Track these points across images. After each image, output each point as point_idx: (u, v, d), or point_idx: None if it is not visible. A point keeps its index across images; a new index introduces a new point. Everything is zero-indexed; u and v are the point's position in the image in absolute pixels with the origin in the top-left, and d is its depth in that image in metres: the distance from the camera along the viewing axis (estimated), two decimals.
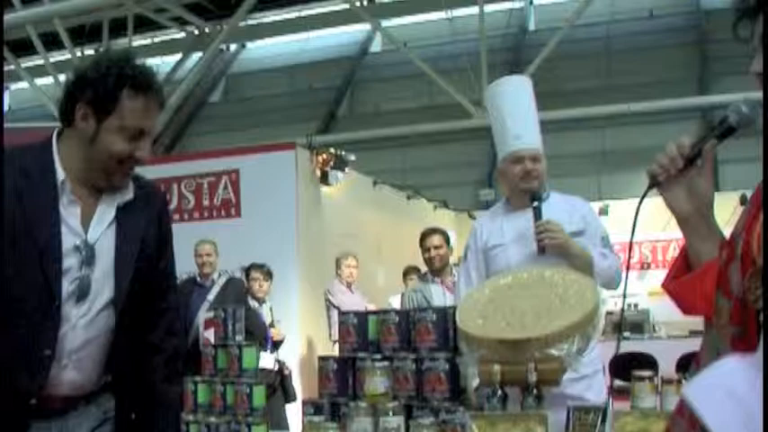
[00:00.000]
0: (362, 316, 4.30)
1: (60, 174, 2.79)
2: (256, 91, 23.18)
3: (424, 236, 7.71)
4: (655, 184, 2.16)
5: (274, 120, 20.71)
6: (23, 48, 19.50)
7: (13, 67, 19.07)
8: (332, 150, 11.18)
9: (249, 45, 24.92)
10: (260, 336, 8.78)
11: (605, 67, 19.87)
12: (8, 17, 16.32)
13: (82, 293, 2.77)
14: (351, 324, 4.28)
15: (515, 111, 4.62)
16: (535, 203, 4.36)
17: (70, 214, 2.79)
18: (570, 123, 16.78)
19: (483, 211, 17.00)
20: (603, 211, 15.75)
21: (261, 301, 9.15)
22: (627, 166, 15.17)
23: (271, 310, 9.29)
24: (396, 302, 9.69)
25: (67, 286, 2.75)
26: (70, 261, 2.75)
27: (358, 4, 20.83)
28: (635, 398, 3.62)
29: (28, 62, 21.01)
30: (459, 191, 18.04)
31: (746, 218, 1.93)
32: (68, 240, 2.76)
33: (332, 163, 10.96)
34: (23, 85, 21.56)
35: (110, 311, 2.85)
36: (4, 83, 26.23)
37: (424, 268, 9.55)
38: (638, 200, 2.22)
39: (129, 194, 2.90)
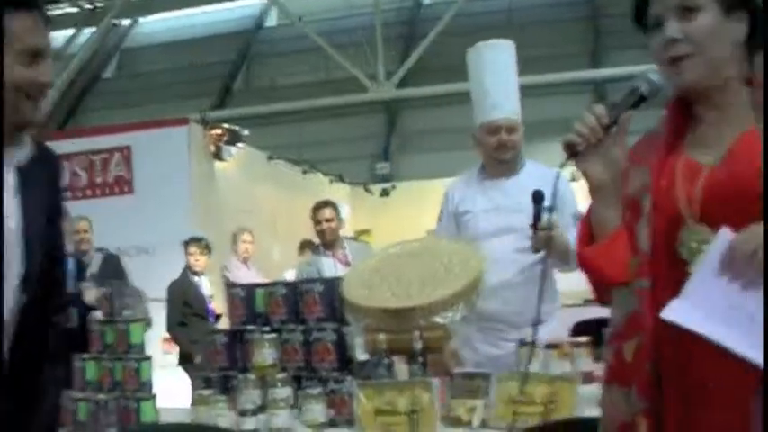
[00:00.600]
0: (250, 288, 4.29)
1: None
2: (150, 66, 22.82)
3: (316, 209, 7.72)
4: (574, 154, 2.20)
5: (169, 95, 20.44)
6: None
7: None
8: (225, 125, 11.12)
9: (142, 20, 24.47)
10: (201, 309, 8.77)
11: (503, 40, 19.99)
12: None
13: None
14: (239, 297, 4.27)
15: (495, 78, 4.54)
16: (537, 205, 4.10)
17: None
18: (464, 96, 16.88)
19: (380, 184, 17.13)
20: None
21: (199, 275, 9.11)
22: (528, 137, 15.22)
23: (210, 283, 9.27)
24: (291, 277, 9.71)
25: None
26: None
27: None
28: (521, 362, 3.68)
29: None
30: (355, 165, 18.03)
31: (649, 177, 2.05)
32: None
33: (225, 138, 10.90)
34: None
35: (18, 292, 2.54)
36: None
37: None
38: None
39: (26, 152, 2.57)
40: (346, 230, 12.60)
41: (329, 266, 7.32)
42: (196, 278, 9.11)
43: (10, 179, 2.50)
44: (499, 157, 4.50)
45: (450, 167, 16.95)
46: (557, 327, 4.44)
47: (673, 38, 2.08)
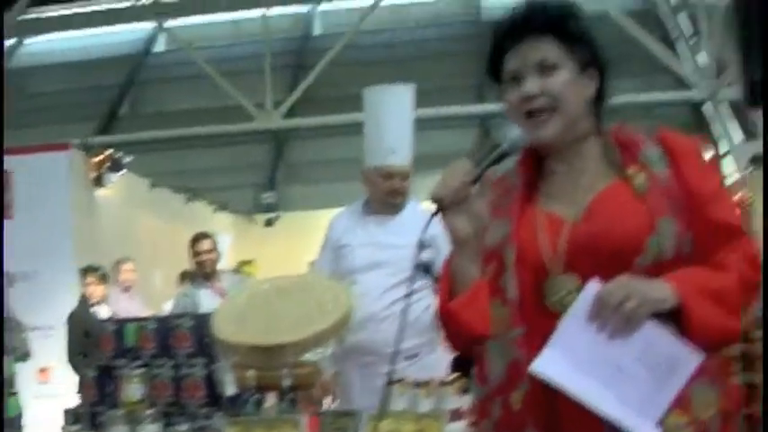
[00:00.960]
0: (120, 323, 4.26)
1: None
2: (35, 88, 22.36)
3: (195, 240, 7.67)
4: (441, 208, 2.22)
5: (54, 118, 20.05)
6: None
7: None
8: (107, 152, 10.97)
9: (27, 41, 24.04)
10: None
11: (391, 74, 20.17)
12: None
13: None
14: (110, 331, 4.23)
15: (394, 123, 4.63)
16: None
17: None
18: (350, 128, 16.96)
19: (265, 214, 17.08)
20: None
21: (98, 304, 8.95)
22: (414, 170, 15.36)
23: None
24: (170, 308, 9.64)
25: None
26: None
27: (142, 1, 20.46)
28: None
29: None
30: (240, 194, 17.94)
31: (509, 229, 2.12)
32: None
33: (107, 165, 10.76)
34: None
35: None
36: None
37: None
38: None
39: None
40: (229, 260, 12.54)
41: (206, 298, 7.28)
42: (94, 308, 8.95)
43: None
44: (389, 202, 4.61)
45: (336, 198, 16.99)
46: (438, 359, 4.47)
47: (532, 93, 2.16)
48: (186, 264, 10.79)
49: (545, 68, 2.16)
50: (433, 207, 2.22)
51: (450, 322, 2.24)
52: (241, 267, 13.79)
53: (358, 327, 4.18)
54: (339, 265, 4.63)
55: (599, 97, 2.25)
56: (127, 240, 11.07)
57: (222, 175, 18.41)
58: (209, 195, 15.27)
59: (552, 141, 2.19)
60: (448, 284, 2.28)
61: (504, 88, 2.25)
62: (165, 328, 4.06)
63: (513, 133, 2.23)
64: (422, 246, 3.79)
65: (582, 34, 2.22)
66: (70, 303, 9.71)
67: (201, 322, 3.96)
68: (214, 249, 7.62)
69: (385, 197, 4.60)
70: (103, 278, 9.06)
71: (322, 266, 4.79)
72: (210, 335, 3.82)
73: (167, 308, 9.42)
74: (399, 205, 4.62)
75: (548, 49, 2.17)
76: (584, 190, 2.17)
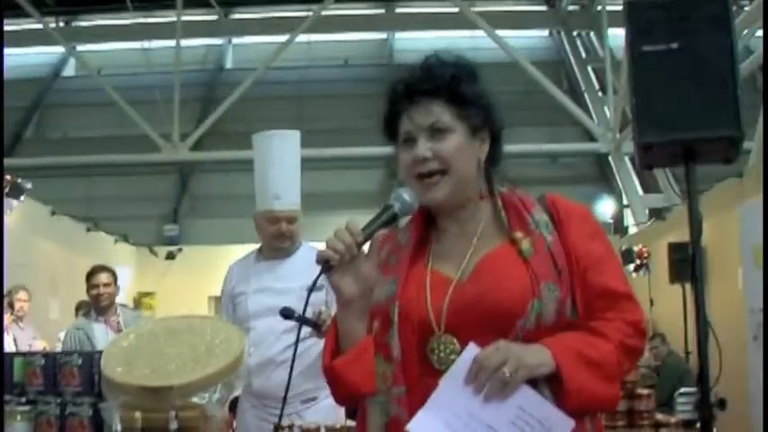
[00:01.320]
0: (8, 357, 4.19)
1: None
2: None
3: (92, 273, 7.54)
4: (328, 268, 2.21)
5: None
6: None
7: None
8: (7, 177, 10.79)
9: None
10: None
11: (299, 111, 20.24)
12: None
13: None
14: None
15: (279, 168, 4.66)
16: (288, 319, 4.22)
17: None
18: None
19: (166, 246, 16.92)
20: None
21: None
22: (315, 210, 15.35)
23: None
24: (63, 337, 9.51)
25: None
26: None
27: (53, 25, 20.26)
28: None
29: None
30: (143, 225, 17.76)
31: (395, 287, 2.17)
32: None
33: (7, 190, 10.58)
34: None
35: None
36: None
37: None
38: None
39: None
40: (129, 292, 12.40)
41: (100, 332, 7.16)
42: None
43: None
44: (276, 246, 4.67)
45: (238, 234, 16.98)
46: (333, 403, 4.49)
47: (424, 156, 2.20)
48: (85, 294, 10.71)
49: (436, 132, 2.20)
50: (318, 268, 2.22)
51: (334, 379, 2.25)
52: (141, 299, 13.67)
53: (255, 371, 4.28)
54: (237, 313, 4.69)
55: (492, 159, 2.30)
56: (24, 268, 10.86)
57: (125, 205, 18.23)
58: (111, 225, 15.08)
59: (442, 203, 2.24)
60: (333, 341, 2.30)
61: (398, 148, 2.30)
62: (53, 365, 4.02)
63: (404, 196, 2.27)
64: (311, 290, 3.87)
65: (475, 97, 2.25)
66: None
67: (91, 360, 3.94)
68: (112, 283, 7.50)
69: (272, 241, 4.68)
70: (9, 306, 8.88)
71: (223, 316, 4.86)
72: (99, 374, 3.79)
73: (60, 336, 9.27)
74: (288, 249, 4.70)
75: (439, 113, 2.21)
76: (473, 251, 2.21)
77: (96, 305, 7.34)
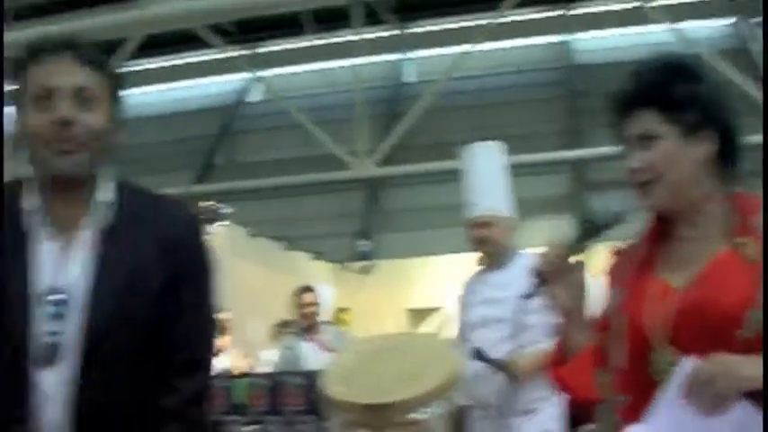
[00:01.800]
0: (230, 379, 4.32)
1: (26, 201, 2.25)
2: (132, 139, 22.70)
3: (299, 293, 7.73)
4: (543, 282, 2.30)
5: (150, 169, 20.30)
6: None
7: None
8: (207, 203, 11.16)
9: (126, 93, 24.60)
10: None
11: (481, 120, 20.21)
12: None
13: (50, 356, 2.14)
14: (219, 386, 4.29)
15: (473, 177, 4.97)
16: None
17: (43, 250, 2.20)
18: (447, 175, 16.97)
19: (359, 262, 17.14)
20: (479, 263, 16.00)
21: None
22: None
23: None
24: (270, 357, 9.73)
25: (36, 346, 2.14)
26: (40, 312, 2.15)
27: (237, 54, 20.83)
28: None
29: None
30: (335, 242, 18.04)
31: (621, 298, 2.17)
32: (39, 285, 2.17)
33: (207, 215, 10.94)
34: None
35: (99, 378, 2.19)
36: None
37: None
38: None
39: (106, 210, 2.28)
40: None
41: (309, 351, 7.32)
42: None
43: (88, 245, 2.23)
44: (478, 251, 4.92)
45: (431, 246, 17.09)
46: (552, 415, 4.46)
47: (635, 168, 2.21)
48: (284, 312, 10.94)
49: (645, 140, 2.20)
50: (535, 281, 2.29)
51: (559, 387, 2.32)
52: (337, 315, 13.87)
53: (474, 382, 4.29)
54: (462, 325, 4.83)
55: (724, 157, 2.25)
56: (228, 290, 11.18)
57: (318, 223, 18.56)
58: (306, 244, 15.39)
59: (659, 209, 2.24)
60: (560, 350, 2.36)
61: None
62: (275, 386, 4.12)
63: (614, 205, 2.28)
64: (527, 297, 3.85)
65: (688, 98, 2.20)
66: None
67: (311, 380, 4.02)
68: (316, 302, 7.67)
69: (474, 247, 4.91)
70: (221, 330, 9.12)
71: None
72: (320, 393, 3.87)
73: (265, 357, 9.51)
74: (495, 255, 4.83)
75: (648, 121, 2.20)
76: (699, 256, 2.17)
77: (304, 324, 7.49)
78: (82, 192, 2.26)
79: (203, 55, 22.27)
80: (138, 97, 24.40)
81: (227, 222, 11.51)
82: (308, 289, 7.78)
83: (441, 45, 21.50)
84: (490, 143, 5.29)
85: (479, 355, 4.19)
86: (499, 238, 4.84)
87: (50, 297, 2.16)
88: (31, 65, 2.28)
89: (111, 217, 2.26)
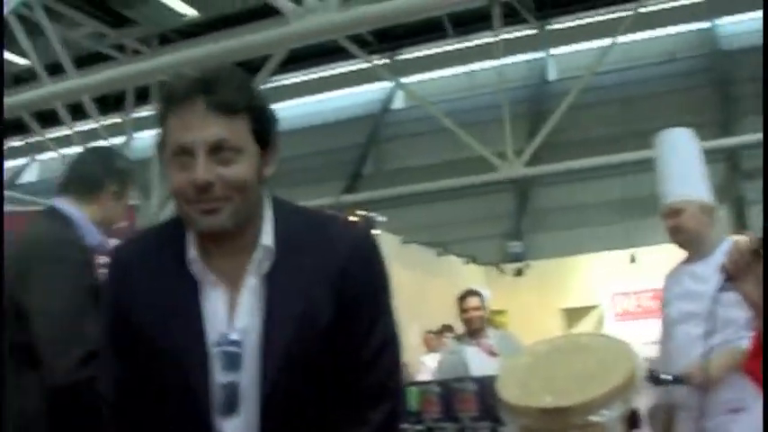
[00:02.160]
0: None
1: (191, 251, 2.19)
2: (282, 152, 23.28)
3: (462, 297, 7.67)
4: (729, 278, 2.33)
5: (300, 180, 20.73)
6: (50, 119, 19.78)
7: (40, 138, 19.25)
8: (361, 212, 11.25)
9: (273, 107, 25.08)
10: None
11: (625, 114, 19.91)
12: (37, 92, 16.52)
13: (229, 405, 2.14)
14: None
15: (667, 165, 4.69)
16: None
17: (213, 300, 2.17)
18: (595, 172, 16.80)
19: (512, 263, 17.07)
20: (632, 260, 15.75)
21: None
22: (653, 212, 14.85)
23: None
24: (428, 362, 9.78)
25: (216, 396, 2.14)
26: (215, 364, 2.13)
27: (378, 63, 21.01)
28: None
29: (54, 133, 21.32)
30: (487, 244, 18.03)
31: None
32: (212, 336, 2.14)
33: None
34: (52, 155, 21.85)
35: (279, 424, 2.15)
36: (33, 154, 26.36)
37: (458, 326, 9.62)
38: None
39: (262, 255, 2.17)
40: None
41: (473, 356, 7.26)
42: None
43: (254, 291, 2.17)
44: (673, 241, 4.54)
45: (584, 244, 16.88)
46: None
47: None
48: (440, 317, 10.94)
49: None
50: (722, 276, 2.30)
51: (754, 381, 2.28)
52: (493, 317, 13.81)
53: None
54: (664, 321, 4.58)
55: None
56: None
57: (468, 226, 18.58)
58: (458, 248, 15.40)
59: None
60: (756, 343, 2.35)
61: None
62: (448, 392, 4.11)
63: None
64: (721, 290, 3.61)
65: None
66: None
67: (485, 386, 3.99)
68: (481, 307, 7.61)
69: (670, 237, 4.56)
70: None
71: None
72: (494, 398, 3.83)
73: (426, 362, 9.55)
74: (695, 245, 4.48)
75: None
76: None
77: (469, 329, 7.45)
78: (240, 239, 2.16)
79: (346, 66, 22.55)
80: (283, 111, 24.83)
81: (379, 231, 11.57)
82: (472, 293, 7.73)
83: (582, 40, 21.30)
84: (681, 129, 4.90)
85: (654, 379, 3.99)
86: (693, 226, 4.49)
87: (223, 347, 2.12)
88: (168, 115, 2.12)
89: (273, 260, 2.16)
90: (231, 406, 2.12)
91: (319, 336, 2.13)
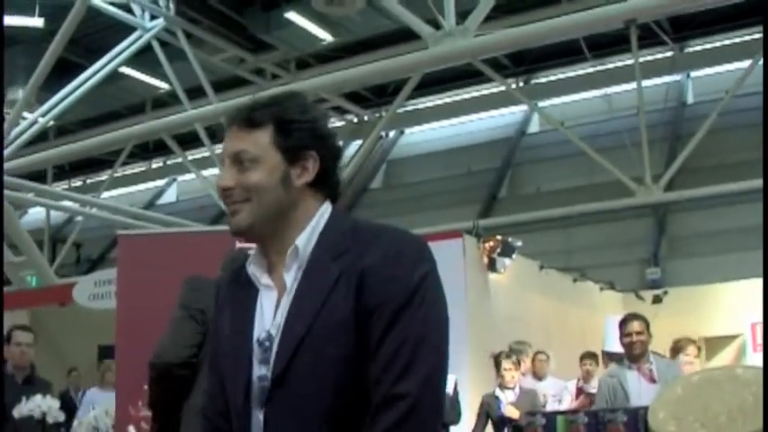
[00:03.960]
0: (550, 416, 4.32)
1: (252, 256, 2.38)
2: (416, 176, 23.41)
3: (624, 321, 7.59)
4: None
5: (435, 204, 20.87)
6: (190, 141, 20.30)
7: (180, 159, 19.77)
8: (498, 237, 11.25)
9: (407, 131, 25.28)
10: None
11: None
12: (178, 116, 17.03)
13: (263, 398, 2.24)
14: (539, 425, 4.30)
15: None
16: None
17: (265, 301, 2.31)
18: (735, 197, 16.43)
19: (650, 290, 16.75)
20: None
21: (509, 389, 9.01)
22: None
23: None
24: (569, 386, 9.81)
25: (255, 389, 2.25)
26: (256, 357, 2.26)
27: (514, 86, 20.99)
28: None
29: (194, 155, 21.89)
30: (624, 271, 17.75)
31: None
32: (258, 331, 2.29)
33: (499, 249, 11.04)
34: (191, 176, 22.42)
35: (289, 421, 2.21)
36: (174, 175, 27.13)
37: (597, 352, 9.63)
38: None
39: (291, 252, 2.27)
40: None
41: (633, 380, 7.14)
42: (505, 392, 9.00)
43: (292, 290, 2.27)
44: None
45: (725, 271, 16.53)
46: None
47: None
48: (577, 343, 10.87)
49: None
50: None
51: None
52: None
53: None
54: None
55: None
56: (520, 323, 11.24)
57: (605, 252, 18.37)
58: (595, 273, 15.23)
59: None
60: None
61: None
62: (596, 422, 4.09)
63: None
64: None
65: None
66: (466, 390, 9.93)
67: (635, 417, 3.97)
68: (644, 331, 7.49)
69: None
70: (517, 363, 9.10)
71: None
72: (646, 430, 3.81)
73: (571, 387, 9.57)
74: None
75: None
76: None
77: (629, 353, 7.36)
78: (279, 242, 2.31)
79: (482, 89, 22.63)
80: (420, 135, 25.02)
81: (516, 256, 11.54)
82: (635, 317, 7.64)
83: (721, 62, 20.92)
84: None
85: None
86: None
87: (259, 342, 2.25)
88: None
89: (307, 260, 2.27)
90: (263, 399, 2.23)
91: (333, 333, 2.16)
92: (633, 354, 7.27)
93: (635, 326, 7.35)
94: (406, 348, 2.14)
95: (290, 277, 2.25)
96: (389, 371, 2.12)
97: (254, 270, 2.33)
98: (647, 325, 7.47)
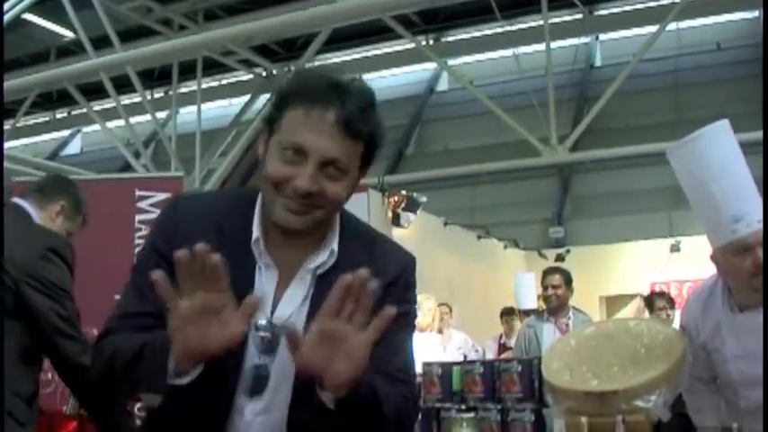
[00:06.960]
0: (446, 366, 4.32)
1: (255, 231, 2.22)
2: None
3: (545, 274, 7.72)
4: None
5: None
6: (95, 91, 19.89)
7: (85, 110, 19.40)
8: (403, 192, 11.26)
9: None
10: None
11: (673, 102, 19.75)
12: (82, 64, 16.65)
13: (256, 387, 2.18)
14: (435, 375, 4.29)
15: (726, 181, 3.42)
16: None
17: (265, 283, 2.21)
18: (639, 159, 16.66)
19: (554, 249, 16.98)
20: (675, 248, 15.65)
21: None
22: None
23: None
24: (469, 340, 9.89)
25: (244, 375, 2.18)
26: (251, 343, 2.16)
27: (424, 43, 20.96)
28: None
29: (99, 105, 21.45)
30: (528, 229, 17.97)
31: None
32: (253, 318, 2.10)
33: (403, 204, 11.04)
34: (95, 127, 22.01)
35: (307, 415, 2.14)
36: (79, 126, 26.65)
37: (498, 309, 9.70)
38: None
39: (327, 257, 2.23)
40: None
41: (549, 332, 7.28)
42: None
43: (305, 286, 2.23)
44: (758, 286, 3.39)
45: (624, 231, 16.79)
46: None
47: None
48: (479, 300, 10.94)
49: None
50: None
51: None
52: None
53: None
54: (715, 367, 3.76)
55: None
56: (425, 278, 11.27)
57: (510, 210, 18.54)
58: (499, 231, 15.35)
59: None
60: None
61: None
62: (491, 372, 4.09)
63: None
64: None
65: None
66: None
67: (530, 367, 3.98)
68: (562, 285, 7.59)
69: (752, 281, 3.39)
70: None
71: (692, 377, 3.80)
72: (541, 380, 3.82)
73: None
74: None
75: None
76: None
77: (547, 305, 7.48)
78: (305, 237, 2.22)
79: (391, 46, 22.53)
80: None
81: (421, 211, 11.56)
82: (555, 270, 7.76)
83: (630, 26, 21.13)
84: (715, 127, 3.58)
85: None
86: None
87: (263, 330, 2.16)
88: (296, 105, 2.13)
89: (330, 264, 2.23)
90: (258, 388, 2.17)
91: None
92: (549, 306, 7.39)
93: (553, 279, 7.49)
94: (404, 341, 2.29)
95: (308, 276, 2.22)
96: (394, 362, 2.19)
97: (261, 245, 2.22)
98: (568, 280, 7.57)
